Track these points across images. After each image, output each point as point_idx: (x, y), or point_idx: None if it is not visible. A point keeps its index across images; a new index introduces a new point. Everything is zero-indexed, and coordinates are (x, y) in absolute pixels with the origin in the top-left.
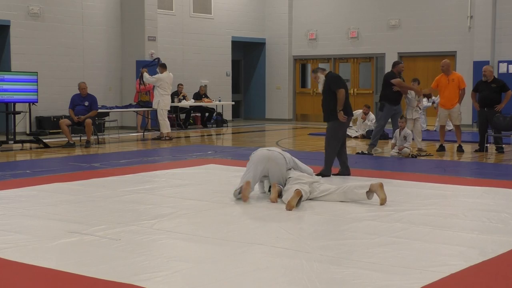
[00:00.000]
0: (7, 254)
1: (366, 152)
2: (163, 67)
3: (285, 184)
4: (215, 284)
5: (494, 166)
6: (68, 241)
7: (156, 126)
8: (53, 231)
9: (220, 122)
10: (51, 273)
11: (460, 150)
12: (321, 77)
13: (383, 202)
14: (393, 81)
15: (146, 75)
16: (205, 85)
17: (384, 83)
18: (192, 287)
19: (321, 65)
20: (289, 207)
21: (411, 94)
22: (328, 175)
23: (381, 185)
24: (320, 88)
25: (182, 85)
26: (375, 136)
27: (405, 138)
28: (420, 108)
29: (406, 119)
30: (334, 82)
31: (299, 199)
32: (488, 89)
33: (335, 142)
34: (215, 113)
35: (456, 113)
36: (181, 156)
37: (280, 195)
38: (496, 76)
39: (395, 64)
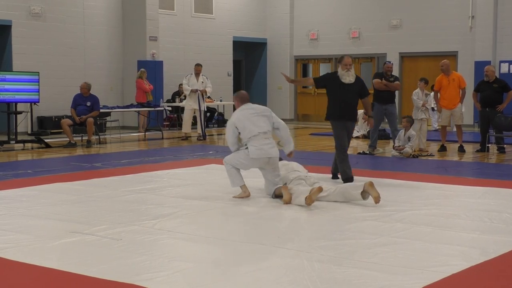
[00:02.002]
0: (9, 254)
1: (367, 152)
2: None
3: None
4: (216, 284)
5: (495, 166)
6: (70, 241)
7: (156, 126)
8: (55, 231)
9: (222, 122)
10: (53, 273)
11: (461, 150)
12: (353, 70)
13: (377, 200)
14: (373, 81)
15: (207, 91)
16: None
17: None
18: (193, 287)
19: (322, 66)
20: (310, 201)
21: (417, 95)
22: None
23: (372, 184)
24: (348, 79)
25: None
26: (372, 137)
27: (409, 139)
28: (427, 108)
29: (413, 119)
30: (366, 87)
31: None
32: (490, 89)
33: None
34: (216, 113)
35: (458, 113)
36: (182, 156)
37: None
38: (497, 76)
39: (383, 64)
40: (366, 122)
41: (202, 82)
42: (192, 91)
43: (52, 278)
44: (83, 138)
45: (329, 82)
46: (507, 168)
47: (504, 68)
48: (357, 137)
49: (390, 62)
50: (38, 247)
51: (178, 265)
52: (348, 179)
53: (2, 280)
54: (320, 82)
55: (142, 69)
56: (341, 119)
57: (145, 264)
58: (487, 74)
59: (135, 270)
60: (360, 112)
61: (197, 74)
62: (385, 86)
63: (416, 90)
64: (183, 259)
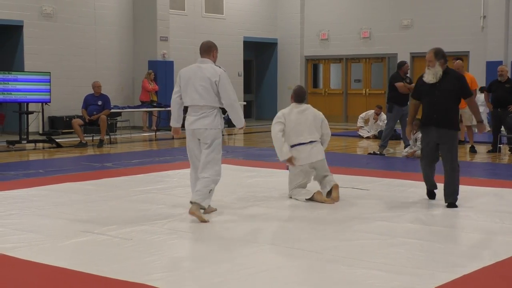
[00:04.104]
0: (20, 253)
1: (378, 152)
2: None
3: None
4: (226, 285)
5: (507, 167)
6: (80, 241)
7: (167, 126)
8: (65, 230)
9: (232, 122)
10: (63, 272)
11: (472, 150)
12: (438, 68)
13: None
14: (396, 84)
15: None
16: None
17: (390, 85)
18: (203, 287)
19: (333, 66)
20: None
21: None
22: None
23: (319, 193)
24: (428, 78)
25: None
26: (385, 138)
27: (416, 140)
28: None
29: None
30: (467, 86)
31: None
32: (502, 89)
33: None
34: (226, 113)
35: (467, 114)
36: None
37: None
38: (509, 77)
39: (400, 65)
40: (376, 122)
41: None
42: None
43: (63, 277)
44: (94, 138)
45: (419, 86)
46: None
47: None
48: (367, 138)
49: (406, 62)
50: (49, 247)
51: (188, 265)
52: (431, 192)
53: (14, 279)
54: (417, 96)
55: (149, 71)
56: (427, 126)
57: (155, 264)
58: (501, 74)
59: (145, 270)
60: (371, 112)
61: None
62: (408, 90)
63: None
64: (193, 259)
